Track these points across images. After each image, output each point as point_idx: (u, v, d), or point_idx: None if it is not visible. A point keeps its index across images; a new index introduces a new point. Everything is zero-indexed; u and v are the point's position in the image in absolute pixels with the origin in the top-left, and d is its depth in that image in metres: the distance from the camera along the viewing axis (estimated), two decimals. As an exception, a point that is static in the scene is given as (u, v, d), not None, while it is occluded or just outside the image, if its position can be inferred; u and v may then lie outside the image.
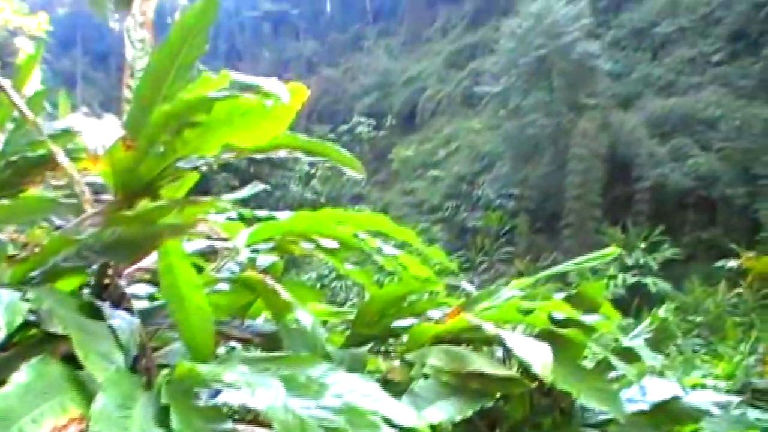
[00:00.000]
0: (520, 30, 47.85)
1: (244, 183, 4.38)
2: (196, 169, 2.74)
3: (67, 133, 2.94)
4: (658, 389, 3.11)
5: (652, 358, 3.03)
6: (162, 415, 1.82)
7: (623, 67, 51.58)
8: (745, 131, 42.49)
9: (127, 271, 2.75)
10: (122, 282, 2.65)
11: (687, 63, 50.09)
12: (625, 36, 53.80)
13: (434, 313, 3.42)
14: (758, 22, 48.87)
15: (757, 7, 49.45)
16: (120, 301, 2.57)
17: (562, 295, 3.38)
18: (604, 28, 53.92)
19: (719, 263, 29.54)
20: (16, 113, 3.12)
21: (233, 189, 4.50)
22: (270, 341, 2.81)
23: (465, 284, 4.08)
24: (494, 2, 64.14)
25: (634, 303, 25.01)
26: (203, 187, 3.51)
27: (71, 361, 1.89)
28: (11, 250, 2.85)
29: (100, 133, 2.41)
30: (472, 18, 65.31)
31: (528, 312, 2.98)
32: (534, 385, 2.83)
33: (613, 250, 3.71)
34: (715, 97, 45.78)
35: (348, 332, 3.48)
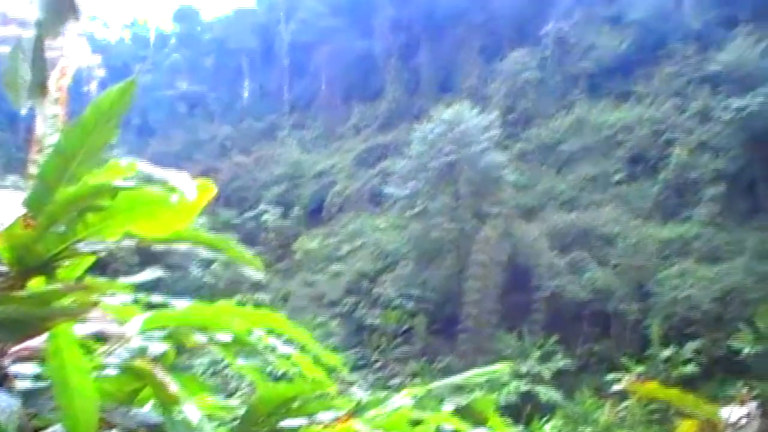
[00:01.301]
0: (432, 135, 48.88)
1: (143, 260, 4.32)
2: (95, 252, 2.71)
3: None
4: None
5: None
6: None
7: (528, 180, 53.20)
8: (641, 249, 44.16)
9: (14, 349, 2.68)
10: (6, 361, 2.58)
11: (589, 180, 52.03)
12: (532, 150, 55.66)
13: (324, 416, 3.39)
14: (657, 147, 51.34)
15: (656, 133, 52.03)
16: (2, 381, 2.49)
17: (453, 406, 3.40)
18: (513, 141, 55.71)
19: (609, 377, 30.14)
20: None
21: (132, 266, 4.41)
22: (155, 433, 2.74)
23: (356, 390, 4.08)
24: (408, 105, 65.74)
25: (526, 410, 25.18)
26: (101, 261, 3.45)
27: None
28: None
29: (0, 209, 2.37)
30: (386, 119, 66.66)
31: (417, 423, 2.99)
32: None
33: (504, 366, 3.77)
34: (614, 215, 47.54)
35: (236, 428, 3.41)
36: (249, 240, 53.57)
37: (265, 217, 58.83)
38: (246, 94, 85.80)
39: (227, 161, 68.79)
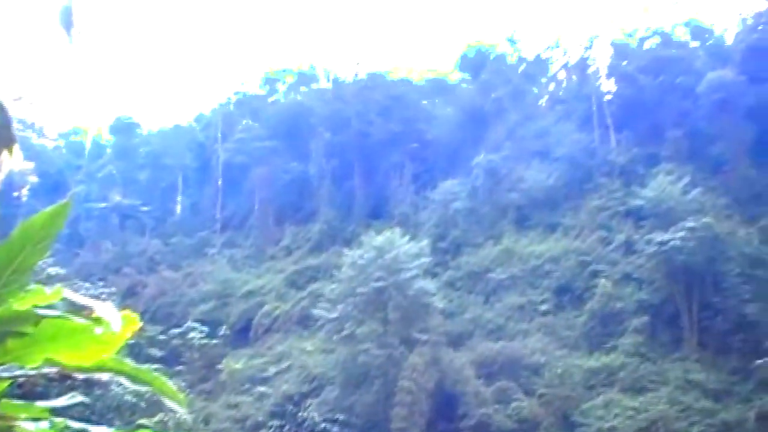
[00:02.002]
0: (362, 260, 49.08)
1: (63, 375, 4.24)
2: (13, 378, 2.68)
3: None
4: None
5: None
6: None
7: (456, 307, 53.48)
8: (567, 379, 44.35)
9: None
10: None
11: (517, 309, 52.55)
12: (461, 278, 56.19)
13: None
14: (583, 279, 52.37)
15: (582, 264, 53.15)
16: None
17: None
18: (442, 268, 56.25)
19: None
20: None
21: (51, 380, 4.34)
22: None
23: None
24: (340, 229, 66.25)
25: None
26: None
27: None
28: None
29: None
30: (317, 241, 66.95)
31: None
32: None
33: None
34: (541, 345, 47.89)
35: None
36: (173, 358, 52.46)
37: (191, 334, 57.59)
38: (179, 210, 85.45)
39: (155, 276, 67.83)
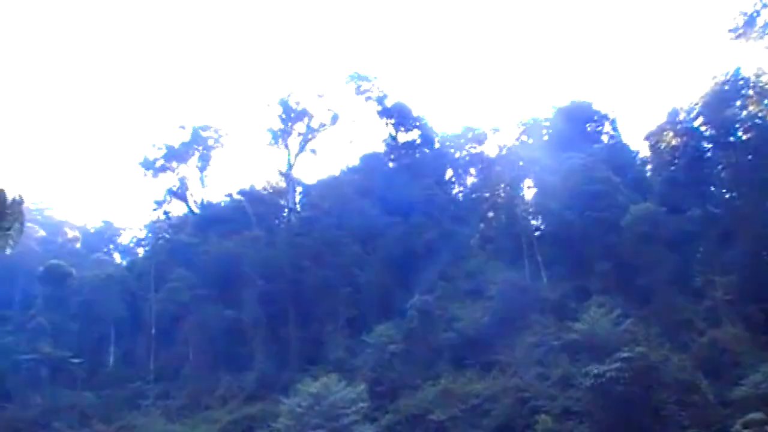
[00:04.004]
0: (299, 408, 48.54)
1: None
2: None
3: None
4: None
5: None
6: None
7: (395, 451, 52.70)
8: None
9: None
10: None
11: (457, 452, 51.93)
12: (400, 421, 55.44)
13: None
14: (523, 416, 52.06)
15: (521, 401, 52.95)
16: None
17: None
18: (381, 412, 55.52)
19: None
20: None
21: None
22: None
23: None
24: (276, 377, 65.35)
25: None
26: None
27: None
28: None
29: None
30: (253, 390, 65.89)
31: None
32: None
33: None
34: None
35: None
36: None
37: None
38: (111, 361, 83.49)
39: (87, 431, 65.69)
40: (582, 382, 49.58)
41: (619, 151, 77.67)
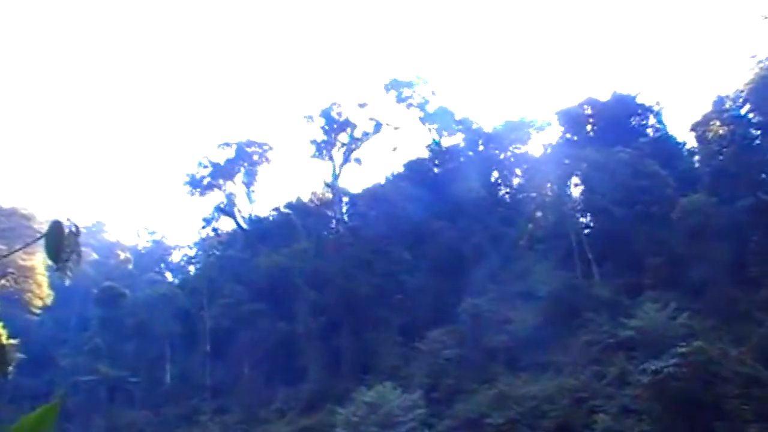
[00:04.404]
0: (356, 418, 48.51)
1: None
2: None
3: None
4: None
5: None
6: None
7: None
8: None
9: None
10: None
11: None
12: (458, 426, 55.12)
13: None
14: (581, 416, 51.45)
15: (578, 401, 52.38)
16: None
17: None
18: (438, 419, 55.30)
19: None
20: None
21: None
22: None
23: None
24: (331, 387, 65.51)
25: None
26: None
27: None
28: None
29: None
30: (309, 401, 66.16)
31: None
32: None
33: None
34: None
35: None
36: None
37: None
38: (167, 378, 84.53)
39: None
40: (639, 380, 48.82)
41: (665, 144, 76.70)
